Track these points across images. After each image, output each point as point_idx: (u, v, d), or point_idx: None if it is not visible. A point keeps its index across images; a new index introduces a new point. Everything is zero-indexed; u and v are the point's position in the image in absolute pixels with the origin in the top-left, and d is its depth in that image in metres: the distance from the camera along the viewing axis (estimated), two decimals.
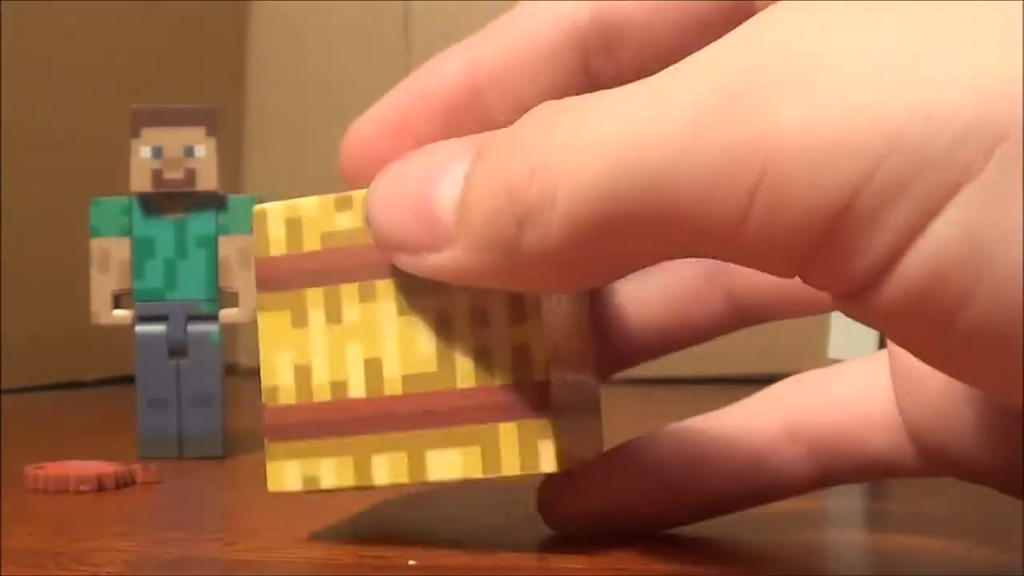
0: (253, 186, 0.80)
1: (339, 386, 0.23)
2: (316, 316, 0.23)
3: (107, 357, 0.61)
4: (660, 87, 0.18)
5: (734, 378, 0.70)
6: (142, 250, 0.38)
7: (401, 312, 0.23)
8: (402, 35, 0.82)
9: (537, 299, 0.22)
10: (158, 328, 0.38)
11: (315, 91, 0.83)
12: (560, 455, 0.22)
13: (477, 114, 0.23)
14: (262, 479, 0.24)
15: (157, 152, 0.37)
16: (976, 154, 0.15)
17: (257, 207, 0.24)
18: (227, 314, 0.38)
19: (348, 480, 0.23)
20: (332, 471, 0.23)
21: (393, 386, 0.23)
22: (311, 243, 0.23)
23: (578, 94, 0.19)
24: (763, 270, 0.17)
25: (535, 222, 0.18)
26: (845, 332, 0.38)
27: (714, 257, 0.18)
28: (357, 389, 0.23)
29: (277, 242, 0.24)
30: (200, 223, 0.38)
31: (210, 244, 0.38)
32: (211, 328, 0.38)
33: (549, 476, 0.24)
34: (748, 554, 0.25)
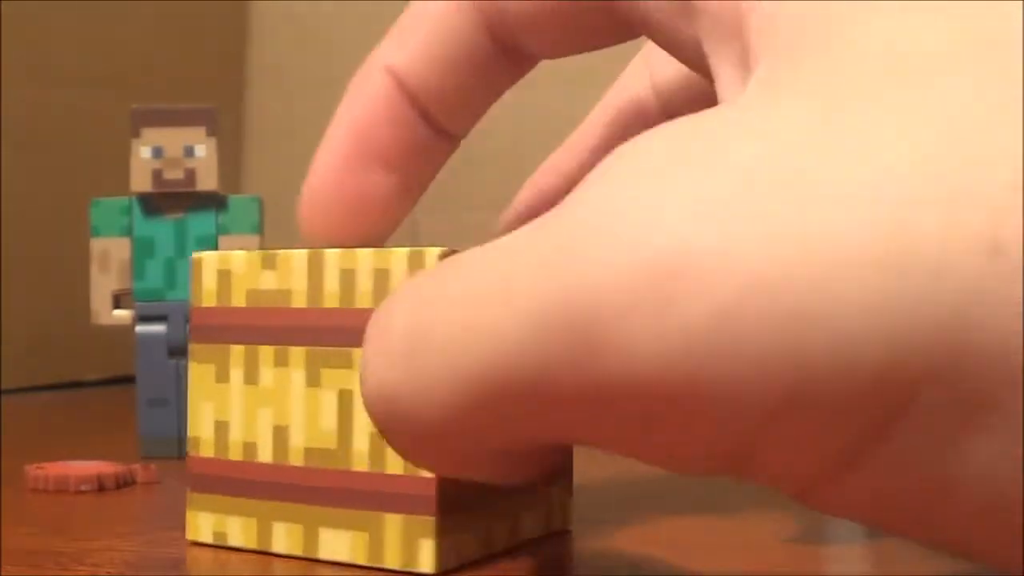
0: (253, 186, 0.80)
1: (250, 447, 0.23)
2: (236, 374, 0.24)
3: (107, 357, 0.61)
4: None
5: None
6: (142, 250, 0.38)
7: (310, 383, 0.23)
8: None
9: None
10: (158, 328, 0.38)
11: (315, 91, 0.83)
12: (440, 556, 0.21)
13: (415, 122, 0.22)
14: None
15: (157, 152, 0.37)
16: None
17: (195, 255, 0.24)
18: None
19: (252, 543, 0.24)
20: (239, 531, 0.24)
21: (297, 456, 0.23)
22: (238, 298, 0.23)
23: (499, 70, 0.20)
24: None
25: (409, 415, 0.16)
26: None
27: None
28: (265, 454, 0.23)
29: (209, 293, 0.24)
30: (200, 223, 0.38)
31: (210, 244, 0.38)
32: None
33: None
34: (748, 553, 0.25)
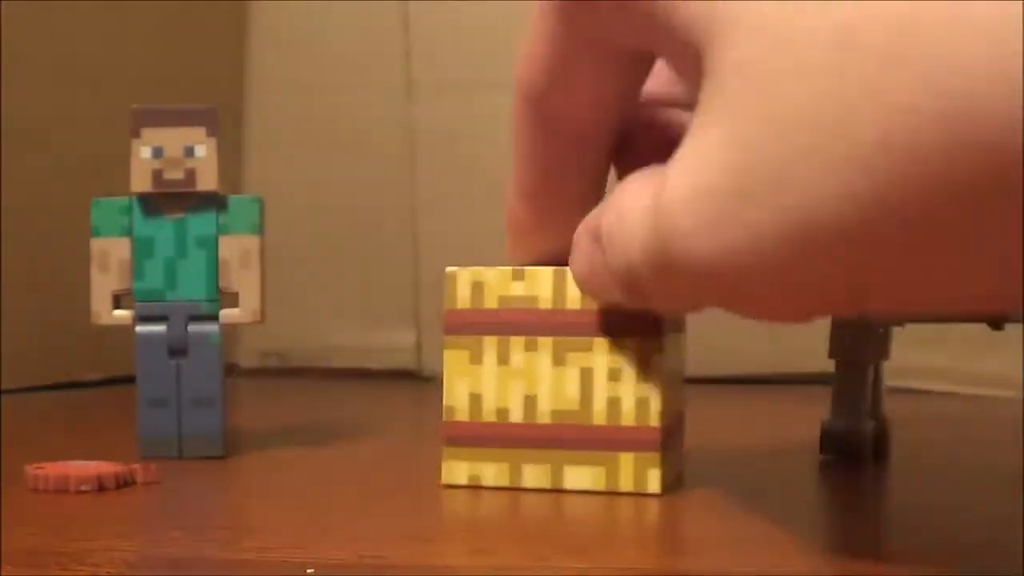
0: (253, 186, 0.80)
1: (503, 412, 0.31)
2: (489, 358, 0.31)
3: (107, 357, 0.61)
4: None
5: (735, 378, 0.70)
6: (142, 250, 0.38)
7: (555, 363, 0.31)
8: (402, 35, 0.82)
9: (660, 365, 0.30)
10: (158, 328, 0.38)
11: (315, 91, 0.83)
12: (663, 480, 0.30)
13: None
14: (262, 479, 0.24)
15: (157, 152, 0.37)
16: None
17: (449, 270, 0.32)
18: (227, 314, 0.38)
19: (504, 481, 0.32)
20: (492, 473, 0.32)
21: (544, 416, 0.31)
22: (490, 302, 0.31)
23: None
24: None
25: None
26: (844, 333, 0.38)
27: None
28: (516, 416, 0.31)
29: (463, 299, 0.32)
30: (200, 223, 0.38)
31: (210, 244, 0.38)
32: (211, 328, 0.38)
33: None
34: (748, 553, 0.25)
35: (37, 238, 0.63)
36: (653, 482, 0.30)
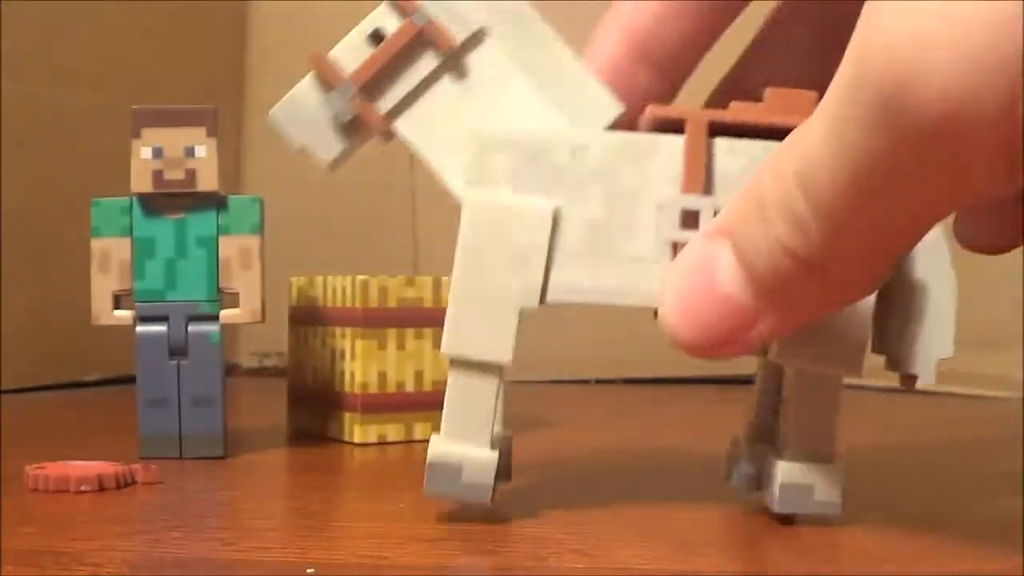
0: (253, 186, 0.80)
1: (400, 384, 0.43)
2: (391, 345, 0.43)
3: (107, 357, 0.61)
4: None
5: (735, 379, 0.70)
6: (142, 250, 0.38)
7: (435, 347, 0.42)
8: None
9: None
10: (158, 328, 0.38)
11: None
12: None
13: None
14: (262, 479, 0.24)
15: (157, 152, 0.37)
16: None
17: (360, 278, 0.43)
18: (227, 314, 0.38)
19: (401, 436, 0.43)
20: (393, 432, 0.43)
21: (428, 385, 0.43)
22: (392, 302, 0.43)
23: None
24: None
25: (800, 246, 0.21)
26: None
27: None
28: (409, 387, 0.43)
29: (372, 299, 0.42)
30: (200, 223, 0.38)
31: (210, 244, 0.38)
32: (211, 328, 0.38)
33: None
34: (748, 552, 0.25)
35: (37, 238, 0.63)
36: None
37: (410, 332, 0.43)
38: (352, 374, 0.43)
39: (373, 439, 0.42)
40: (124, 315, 0.38)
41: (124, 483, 0.32)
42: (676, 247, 0.26)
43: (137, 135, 0.37)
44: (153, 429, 0.38)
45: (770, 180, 0.22)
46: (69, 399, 0.62)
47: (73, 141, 0.66)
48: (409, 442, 0.43)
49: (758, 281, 0.22)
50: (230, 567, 0.23)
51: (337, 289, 0.44)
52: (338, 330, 0.43)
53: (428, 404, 0.43)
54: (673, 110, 0.27)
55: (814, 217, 0.21)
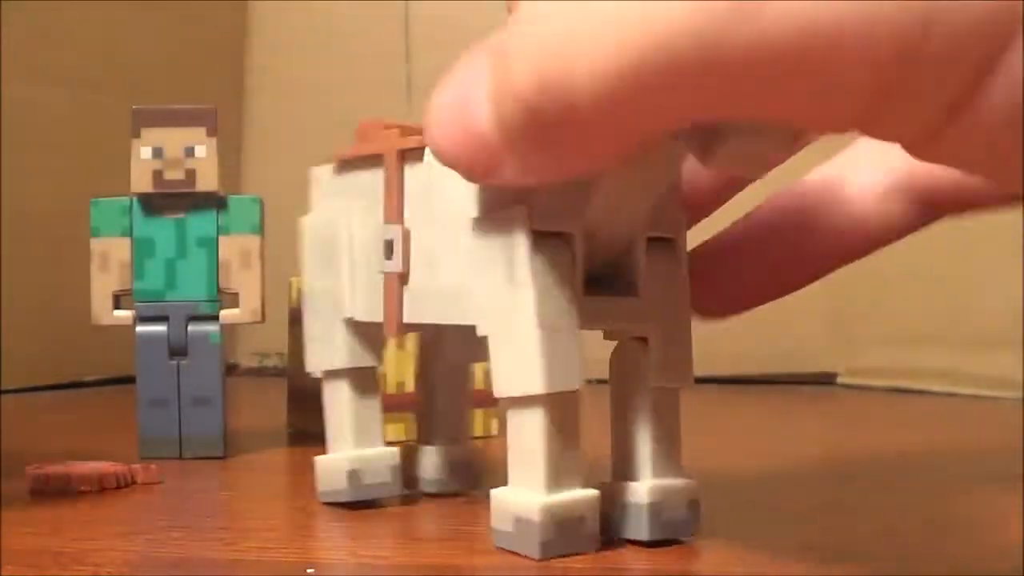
0: (253, 186, 0.80)
1: (400, 384, 0.42)
2: (391, 344, 0.41)
3: (107, 357, 0.61)
4: None
5: (739, 378, 0.70)
6: (142, 250, 0.38)
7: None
8: (402, 35, 0.82)
9: None
10: (158, 328, 0.38)
11: (315, 91, 0.83)
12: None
13: None
14: (262, 479, 0.24)
15: (157, 152, 0.37)
16: None
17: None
18: (227, 315, 0.38)
19: (401, 436, 0.41)
20: (393, 432, 0.40)
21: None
22: None
23: None
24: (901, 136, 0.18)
25: (570, 102, 0.19)
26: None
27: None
28: (409, 386, 0.42)
29: None
30: (200, 223, 0.38)
31: (210, 244, 0.38)
32: (211, 328, 0.38)
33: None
34: (747, 553, 0.25)
35: (37, 238, 0.63)
36: (494, 428, 0.44)
37: (410, 333, 0.43)
38: None
39: None
40: (124, 315, 0.38)
41: (124, 483, 0.32)
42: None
43: (137, 135, 0.37)
44: (153, 429, 0.38)
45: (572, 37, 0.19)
46: (69, 399, 0.62)
47: (73, 141, 0.66)
48: (409, 442, 0.43)
49: (506, 132, 0.21)
50: (230, 567, 0.23)
51: None
52: None
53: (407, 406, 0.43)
54: (371, 146, 0.28)
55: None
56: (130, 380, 0.38)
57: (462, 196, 0.25)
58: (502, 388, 0.24)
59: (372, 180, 0.28)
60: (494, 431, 0.45)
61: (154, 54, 0.73)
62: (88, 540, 0.25)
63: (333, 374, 0.30)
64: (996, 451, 0.43)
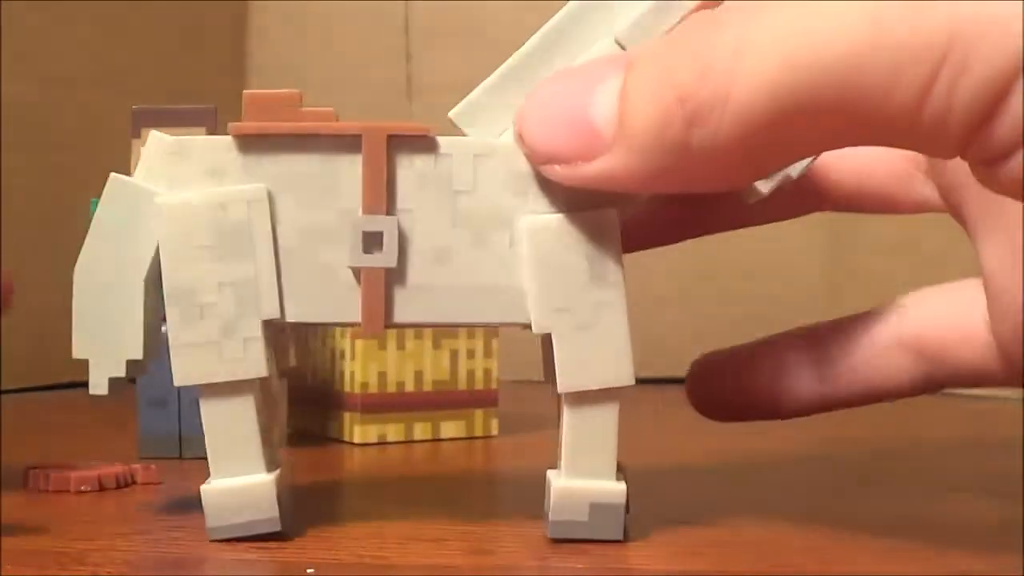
0: None
1: (400, 384, 0.43)
2: (391, 345, 0.43)
3: None
4: None
5: None
6: None
7: (434, 347, 0.44)
8: (402, 35, 0.82)
9: (497, 346, 0.46)
10: None
11: (315, 91, 0.83)
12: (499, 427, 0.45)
13: None
14: None
15: None
16: None
17: None
18: None
19: (401, 436, 0.43)
20: (393, 432, 0.43)
21: (427, 386, 0.44)
22: None
23: None
24: (931, 152, 0.20)
25: (707, 121, 0.20)
26: None
27: (883, 143, 0.20)
28: (409, 386, 0.43)
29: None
30: None
31: None
32: None
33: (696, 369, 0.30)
34: (747, 553, 0.25)
35: (37, 238, 0.63)
36: (494, 428, 0.45)
37: (410, 332, 0.43)
38: (352, 374, 0.43)
39: (373, 439, 0.43)
40: None
41: (124, 483, 0.32)
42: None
43: (137, 135, 0.37)
44: (153, 429, 0.38)
45: (730, 53, 0.20)
46: (69, 399, 0.62)
47: (73, 141, 0.66)
48: (409, 442, 0.43)
49: (628, 127, 0.21)
50: (230, 567, 0.23)
51: None
52: (338, 330, 0.43)
53: (428, 404, 0.44)
54: (350, 126, 0.25)
55: (740, 111, 0.20)
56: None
57: (500, 194, 0.25)
58: (578, 383, 0.25)
59: (314, 162, 0.25)
60: (494, 431, 0.45)
61: (154, 54, 0.73)
62: (88, 540, 0.25)
63: (232, 387, 0.25)
64: (996, 451, 0.43)
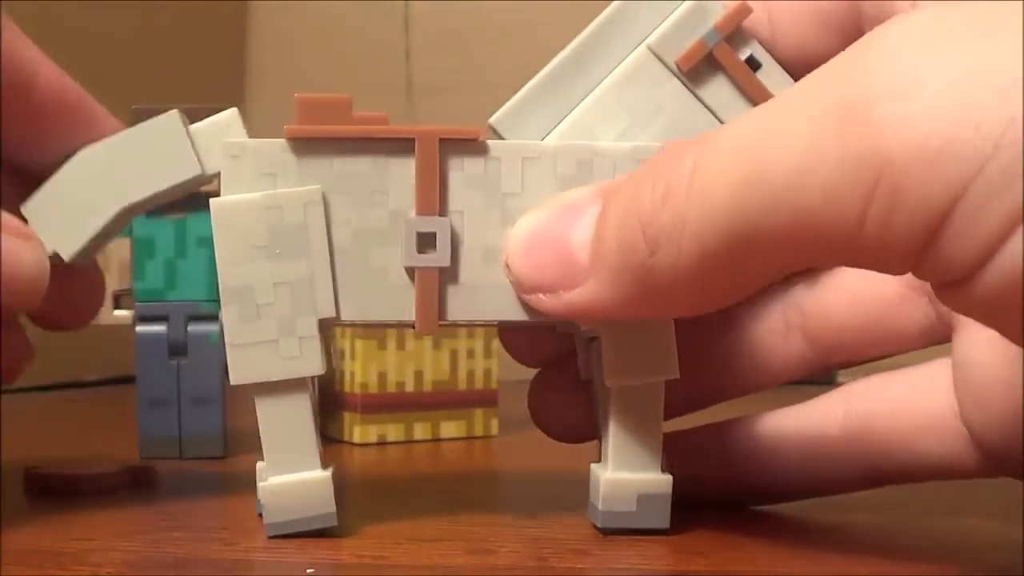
0: None
1: (400, 384, 0.43)
2: (391, 345, 0.43)
3: (107, 357, 0.61)
4: (777, 112, 0.19)
5: None
6: (142, 250, 0.38)
7: (434, 347, 0.44)
8: (402, 35, 0.82)
9: (496, 347, 0.44)
10: (158, 328, 0.38)
11: (315, 91, 0.83)
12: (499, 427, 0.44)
13: None
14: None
15: None
16: None
17: None
18: None
19: (401, 436, 0.43)
20: (393, 432, 0.43)
21: (427, 386, 0.44)
22: None
23: None
24: (880, 270, 0.19)
25: (667, 245, 0.20)
26: None
27: (835, 264, 0.20)
28: (409, 386, 0.44)
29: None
30: (200, 223, 0.38)
31: (210, 244, 0.38)
32: (211, 328, 0.38)
33: None
34: (747, 553, 0.25)
35: None
36: (494, 428, 0.45)
37: (410, 332, 0.43)
38: (352, 374, 0.43)
39: (373, 439, 0.43)
40: (124, 315, 0.38)
41: (124, 483, 0.32)
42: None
43: None
44: (153, 429, 0.38)
45: (687, 176, 0.20)
46: (69, 399, 0.62)
47: None
48: (409, 442, 0.43)
49: (599, 255, 0.22)
50: (230, 567, 0.23)
51: None
52: (338, 330, 0.43)
53: (428, 404, 0.44)
54: (402, 129, 0.26)
55: (696, 234, 0.20)
56: (130, 380, 0.38)
57: (547, 196, 0.25)
58: (626, 378, 0.25)
59: (366, 164, 0.25)
60: (494, 431, 0.45)
61: (154, 54, 0.73)
62: (88, 540, 0.25)
63: (289, 385, 0.25)
64: None
